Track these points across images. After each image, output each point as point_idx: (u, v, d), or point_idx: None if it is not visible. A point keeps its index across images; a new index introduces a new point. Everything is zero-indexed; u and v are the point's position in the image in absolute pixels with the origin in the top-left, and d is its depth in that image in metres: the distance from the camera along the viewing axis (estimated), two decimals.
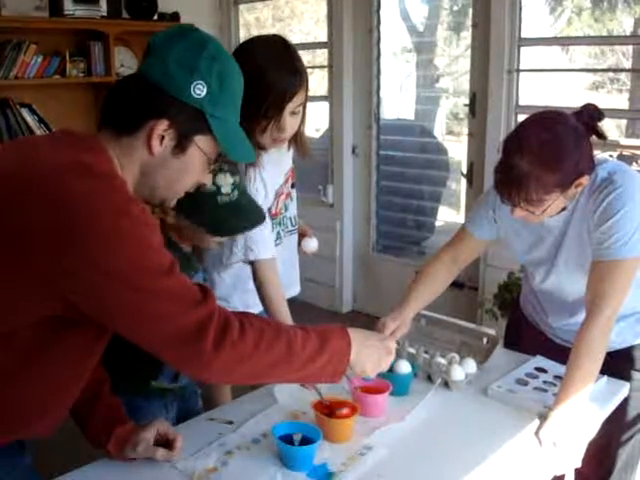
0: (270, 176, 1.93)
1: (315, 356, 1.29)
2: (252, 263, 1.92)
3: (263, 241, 1.90)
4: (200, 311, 1.16)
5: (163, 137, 1.21)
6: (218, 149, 1.29)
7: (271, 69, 1.76)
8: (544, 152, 1.58)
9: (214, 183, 1.63)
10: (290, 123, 1.83)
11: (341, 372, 1.36)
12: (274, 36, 1.91)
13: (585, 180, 1.66)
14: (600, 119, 1.69)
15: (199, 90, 1.21)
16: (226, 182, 1.65)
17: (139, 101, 1.21)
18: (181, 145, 1.23)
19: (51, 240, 1.08)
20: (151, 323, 1.14)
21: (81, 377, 1.35)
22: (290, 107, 1.80)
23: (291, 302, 2.26)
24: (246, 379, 1.31)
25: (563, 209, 1.72)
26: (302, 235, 2.28)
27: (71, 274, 1.09)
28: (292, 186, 2.14)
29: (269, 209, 1.97)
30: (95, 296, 1.12)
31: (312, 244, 2.28)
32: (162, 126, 1.20)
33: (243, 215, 1.70)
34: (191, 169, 1.28)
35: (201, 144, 1.25)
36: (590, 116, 1.67)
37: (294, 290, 2.24)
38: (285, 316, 1.92)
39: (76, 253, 1.08)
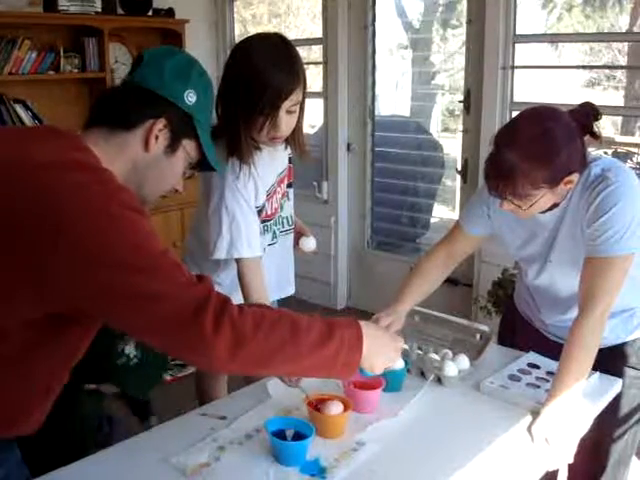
0: (261, 176, 1.92)
1: (323, 341, 1.26)
2: (237, 261, 1.91)
3: (248, 239, 1.88)
4: (197, 291, 1.17)
5: (157, 137, 1.31)
6: (197, 156, 1.40)
7: (267, 67, 1.76)
8: (534, 147, 1.58)
9: (120, 349, 1.81)
10: (286, 121, 1.83)
11: (355, 364, 1.33)
12: (273, 34, 1.90)
13: (575, 178, 1.66)
14: (597, 118, 1.68)
15: (191, 98, 1.35)
16: (130, 351, 1.83)
17: (139, 102, 1.32)
18: (172, 146, 1.34)
19: (44, 233, 1.09)
20: (147, 304, 1.13)
21: (67, 372, 1.36)
22: (286, 105, 1.79)
23: (285, 299, 2.27)
24: (251, 366, 1.24)
25: (555, 205, 1.73)
26: (300, 234, 2.27)
27: (66, 265, 1.10)
28: (289, 185, 2.13)
29: (261, 210, 1.96)
30: (90, 284, 1.12)
31: (310, 243, 2.26)
32: (159, 125, 1.30)
33: (133, 381, 1.86)
34: (175, 170, 1.39)
35: (187, 147, 1.37)
36: (585, 115, 1.67)
37: (288, 290, 2.23)
38: None
39: (69, 243, 1.09)
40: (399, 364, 1.76)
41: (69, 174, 1.15)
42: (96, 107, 1.36)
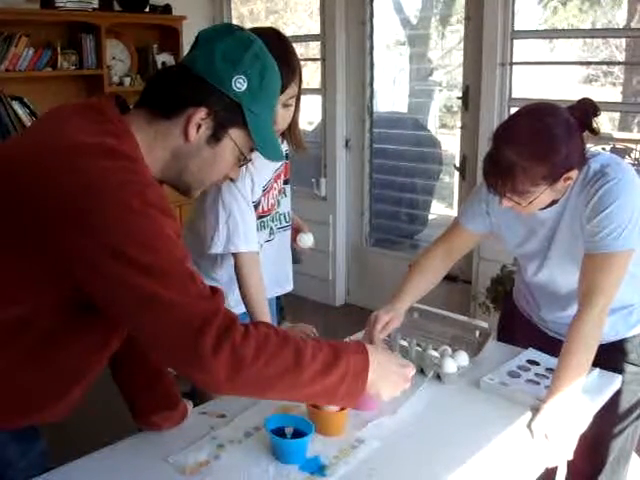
0: (257, 171, 1.91)
1: (326, 371, 1.22)
2: (234, 256, 1.90)
3: (245, 234, 1.88)
4: (205, 305, 1.13)
5: (200, 125, 1.24)
6: (250, 145, 1.31)
7: None
8: (532, 143, 1.58)
9: None
10: (282, 115, 1.82)
11: (359, 392, 1.29)
12: (267, 28, 1.90)
13: (574, 174, 1.65)
14: (596, 114, 1.67)
15: (239, 84, 1.24)
16: None
17: (180, 88, 1.24)
18: (216, 135, 1.26)
19: (63, 218, 1.08)
20: (151, 308, 1.11)
21: (97, 365, 1.35)
22: (282, 99, 1.78)
23: (284, 296, 2.26)
24: (249, 391, 1.23)
25: (554, 202, 1.72)
26: (298, 230, 2.26)
27: (79, 253, 1.09)
28: (285, 182, 2.12)
29: (257, 206, 1.96)
30: (100, 276, 1.10)
31: (308, 239, 2.26)
32: (200, 114, 1.22)
33: None
34: (222, 160, 1.30)
35: (235, 137, 1.28)
36: (584, 111, 1.66)
37: (286, 287, 2.22)
38: (262, 312, 1.90)
39: (84, 231, 1.07)
40: None
41: (99, 160, 1.11)
42: (146, 88, 1.29)
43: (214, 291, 1.18)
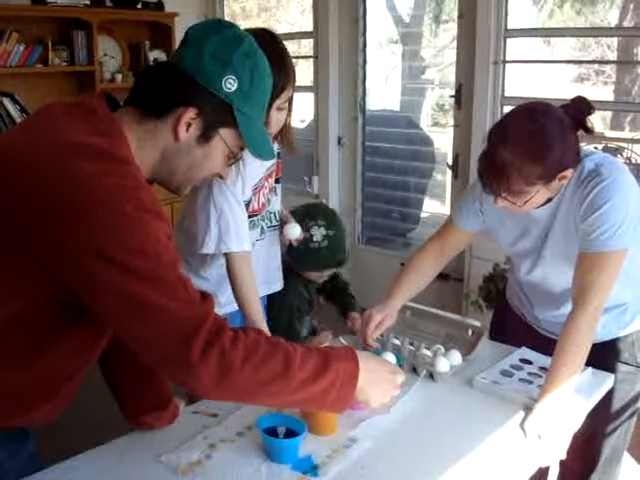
0: (247, 171, 1.90)
1: (316, 376, 1.23)
2: (226, 256, 1.90)
3: (237, 234, 1.87)
4: (196, 310, 1.13)
5: (189, 125, 1.23)
6: (241, 144, 1.30)
7: None
8: (528, 143, 1.57)
9: (309, 232, 2.27)
10: (276, 119, 1.81)
11: (347, 399, 1.30)
12: (260, 30, 1.87)
13: (569, 173, 1.65)
14: (589, 113, 1.67)
15: (229, 84, 1.22)
16: (319, 233, 2.29)
17: (170, 87, 1.22)
18: (206, 135, 1.25)
19: (54, 219, 1.06)
20: (141, 312, 1.10)
21: (84, 367, 1.35)
22: (277, 103, 1.77)
23: (274, 294, 2.25)
24: (236, 396, 1.22)
25: (549, 200, 1.72)
26: (283, 222, 2.25)
27: (69, 256, 1.07)
28: (276, 181, 2.11)
29: (247, 205, 1.95)
30: (91, 280, 1.09)
31: (295, 231, 2.20)
32: (190, 114, 1.21)
33: (322, 259, 2.34)
34: (212, 159, 1.29)
35: (225, 136, 1.27)
36: (578, 109, 1.66)
37: (276, 286, 2.22)
38: (256, 311, 1.90)
39: (76, 234, 1.06)
40: (391, 360, 1.75)
41: (92, 162, 1.10)
42: (135, 85, 1.27)
43: (204, 296, 1.17)
